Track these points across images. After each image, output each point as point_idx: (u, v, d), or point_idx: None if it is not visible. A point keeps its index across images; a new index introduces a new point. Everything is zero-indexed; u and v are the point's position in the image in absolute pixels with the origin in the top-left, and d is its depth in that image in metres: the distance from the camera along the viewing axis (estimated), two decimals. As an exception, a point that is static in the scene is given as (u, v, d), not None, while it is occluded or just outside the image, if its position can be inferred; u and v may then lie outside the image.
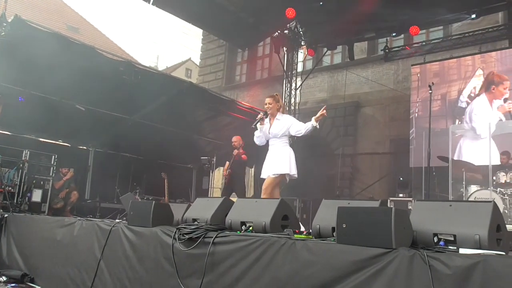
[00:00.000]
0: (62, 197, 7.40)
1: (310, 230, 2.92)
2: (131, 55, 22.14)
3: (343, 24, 9.12)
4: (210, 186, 10.00)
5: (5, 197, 6.09)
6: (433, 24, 9.49)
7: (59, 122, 7.76)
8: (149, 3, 8.81)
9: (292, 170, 4.50)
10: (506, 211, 6.56)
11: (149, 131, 8.79)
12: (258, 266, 2.54)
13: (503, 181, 6.75)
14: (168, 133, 9.19)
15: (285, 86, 11.11)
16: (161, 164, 9.86)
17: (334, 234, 2.47)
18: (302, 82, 11.33)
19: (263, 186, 4.55)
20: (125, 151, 9.65)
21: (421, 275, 1.93)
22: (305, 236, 2.68)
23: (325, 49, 11.29)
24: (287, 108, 10.80)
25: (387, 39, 10.50)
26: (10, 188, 6.39)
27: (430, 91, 6.56)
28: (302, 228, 3.89)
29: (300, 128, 4.46)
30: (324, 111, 4.27)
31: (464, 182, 7.23)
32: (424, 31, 10.21)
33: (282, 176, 4.52)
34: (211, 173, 9.61)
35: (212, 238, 2.81)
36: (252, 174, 11.91)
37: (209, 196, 9.27)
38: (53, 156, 7.26)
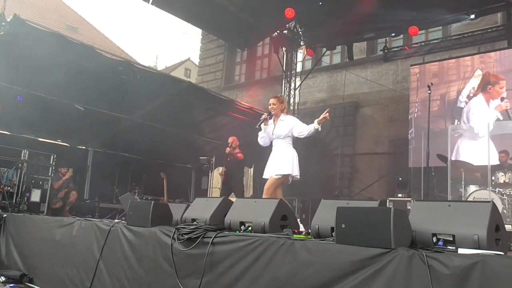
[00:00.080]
0: (61, 197, 7.39)
1: (309, 230, 2.92)
2: (130, 54, 22.13)
3: (342, 24, 9.13)
4: (209, 186, 10.01)
5: (4, 197, 6.09)
6: (432, 24, 9.51)
7: (58, 122, 7.75)
8: (148, 2, 8.81)
9: (295, 171, 4.50)
10: (505, 211, 6.57)
11: (148, 131, 8.78)
12: (257, 266, 2.54)
13: (502, 181, 6.76)
14: (167, 133, 9.19)
15: (284, 86, 11.11)
16: (160, 164, 9.85)
17: (333, 234, 2.47)
18: (301, 82, 11.34)
19: (265, 187, 4.55)
20: (124, 151, 9.64)
21: (420, 275, 1.93)
22: (304, 236, 2.68)
23: (324, 49, 11.30)
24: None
25: (386, 40, 10.51)
26: (9, 188, 6.38)
27: (429, 91, 6.57)
28: (302, 228, 3.89)
29: (303, 129, 4.49)
30: (327, 114, 4.30)
31: (463, 182, 7.25)
32: (423, 31, 10.22)
33: (285, 177, 4.52)
34: (210, 173, 9.62)
35: (211, 238, 2.81)
36: (251, 174, 11.92)
37: (208, 196, 9.28)
38: (52, 156, 7.25)
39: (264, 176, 4.67)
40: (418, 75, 9.71)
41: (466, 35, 9.45)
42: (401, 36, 10.47)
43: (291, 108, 10.87)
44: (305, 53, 11.20)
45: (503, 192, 6.71)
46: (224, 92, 13.55)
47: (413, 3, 8.31)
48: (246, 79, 15.53)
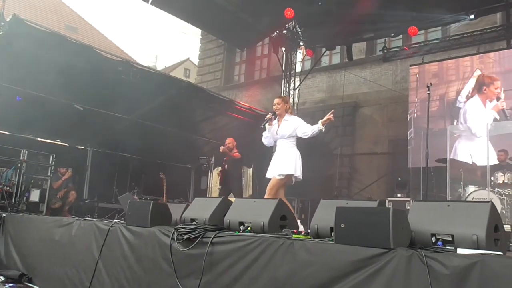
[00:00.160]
0: (60, 197, 7.39)
1: (309, 230, 2.92)
2: (130, 54, 22.12)
3: (341, 25, 9.14)
4: (208, 186, 10.01)
5: (3, 197, 6.08)
6: (431, 24, 9.51)
7: (57, 122, 7.74)
8: (147, 2, 8.80)
9: (297, 172, 4.51)
10: (504, 211, 6.57)
11: (147, 131, 8.78)
12: (257, 266, 2.54)
13: (501, 181, 6.77)
14: (166, 133, 9.18)
15: (284, 86, 11.11)
16: (159, 164, 9.85)
17: (332, 234, 2.47)
18: (301, 82, 11.34)
19: (268, 187, 4.56)
20: (123, 151, 9.63)
21: (419, 275, 1.93)
22: (303, 236, 2.68)
23: (324, 49, 11.30)
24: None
25: (385, 40, 10.52)
26: (8, 188, 6.37)
27: (428, 92, 6.57)
28: (301, 228, 3.89)
29: (307, 130, 4.50)
30: (331, 115, 4.31)
31: (462, 183, 7.26)
32: (422, 31, 10.23)
33: (288, 177, 4.52)
34: (209, 173, 9.62)
35: (211, 238, 2.81)
36: (251, 174, 11.92)
37: (207, 196, 9.27)
38: (51, 156, 7.24)
39: (267, 176, 4.68)
40: (417, 75, 9.72)
41: (465, 35, 9.46)
42: (400, 36, 10.47)
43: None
44: (305, 53, 11.20)
45: (502, 192, 6.72)
46: (223, 92, 13.55)
47: (413, 3, 8.31)
48: (245, 79, 15.53)
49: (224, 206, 3.34)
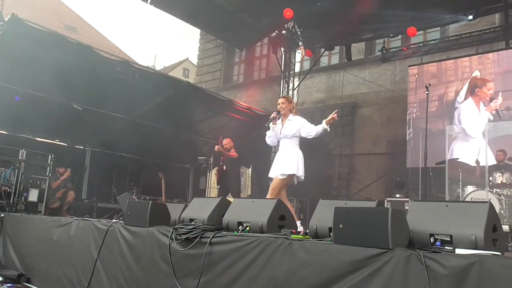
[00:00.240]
0: (59, 197, 7.38)
1: (307, 230, 2.92)
2: (129, 54, 22.13)
3: (340, 25, 9.14)
4: (207, 186, 10.01)
5: (1, 196, 6.06)
6: (430, 25, 9.51)
7: (56, 122, 7.73)
8: (147, 2, 8.79)
9: (300, 172, 4.52)
10: (502, 212, 6.59)
11: (146, 131, 8.78)
12: (255, 266, 2.54)
13: (499, 182, 6.79)
14: (165, 133, 9.18)
15: (283, 87, 11.11)
16: (158, 164, 9.85)
17: (331, 234, 2.47)
18: (300, 83, 11.34)
19: (271, 187, 4.58)
20: (122, 151, 9.62)
21: (417, 275, 1.93)
22: (302, 237, 2.68)
23: (323, 50, 11.30)
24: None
25: (384, 40, 10.52)
26: (6, 188, 6.36)
27: (427, 92, 6.58)
28: (300, 228, 3.90)
29: (311, 130, 4.51)
30: (335, 115, 4.33)
31: (460, 183, 7.27)
32: (421, 32, 10.23)
33: (290, 177, 4.54)
34: (208, 173, 9.62)
35: (209, 238, 2.81)
36: (250, 174, 11.92)
37: (206, 196, 9.28)
38: (50, 156, 7.23)
39: (270, 176, 4.70)
40: (416, 76, 9.73)
41: (464, 36, 9.46)
42: (399, 36, 10.48)
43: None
44: (304, 53, 11.20)
45: (500, 193, 6.74)
46: (222, 92, 13.55)
47: (411, 3, 8.32)
48: (244, 79, 15.52)
49: (223, 206, 3.34)
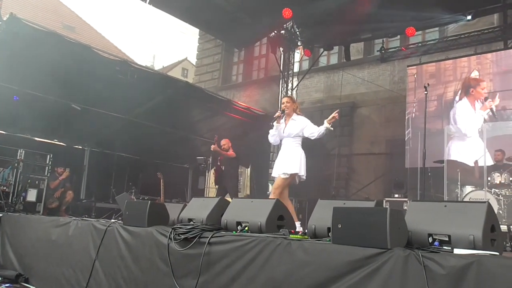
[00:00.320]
0: (57, 197, 7.37)
1: (306, 230, 2.93)
2: (127, 54, 22.11)
3: (339, 25, 9.13)
4: (206, 186, 10.00)
5: (0, 196, 6.06)
6: (429, 25, 9.52)
7: (54, 121, 7.74)
8: (145, 2, 8.78)
9: (302, 171, 4.56)
10: (501, 212, 6.60)
11: (145, 131, 8.77)
12: (254, 266, 2.54)
13: (498, 182, 6.79)
14: (164, 133, 9.18)
15: (282, 86, 11.11)
16: (157, 164, 9.84)
17: (329, 234, 2.47)
18: (299, 83, 11.34)
19: (273, 186, 4.64)
20: (121, 151, 9.62)
21: (415, 275, 1.94)
22: (301, 236, 2.68)
23: (322, 50, 11.30)
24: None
25: (383, 40, 10.53)
26: (4, 188, 6.36)
27: (426, 92, 6.59)
28: (299, 228, 3.90)
29: (314, 130, 4.55)
30: (336, 114, 4.37)
31: (459, 183, 7.28)
32: (420, 32, 10.24)
33: (292, 177, 4.56)
34: (207, 173, 9.61)
35: (208, 238, 2.81)
36: (248, 174, 11.92)
37: (205, 196, 9.27)
38: (48, 156, 7.23)
39: (273, 175, 4.74)
40: (415, 76, 9.74)
41: (462, 36, 9.47)
42: (398, 36, 10.49)
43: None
44: (302, 53, 11.19)
45: (498, 193, 6.74)
46: (221, 92, 13.55)
47: (410, 4, 8.32)
48: (243, 79, 15.52)
49: (222, 206, 3.34)
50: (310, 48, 10.81)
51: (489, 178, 6.89)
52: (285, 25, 10.43)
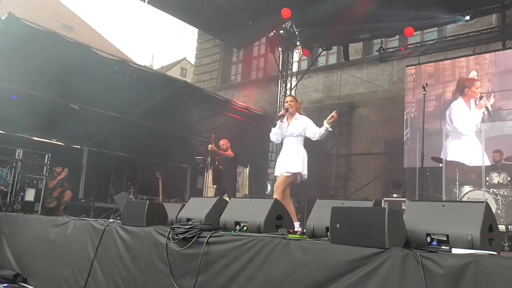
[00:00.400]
0: (56, 197, 7.35)
1: (304, 230, 2.93)
2: (126, 54, 22.09)
3: (338, 25, 9.14)
4: (204, 185, 9.99)
5: (-2, 196, 6.05)
6: (427, 25, 9.53)
7: (52, 121, 7.71)
8: (144, 2, 8.78)
9: (304, 170, 4.59)
10: (499, 212, 6.61)
11: (143, 131, 8.76)
12: (252, 266, 2.54)
13: (496, 182, 6.81)
14: (162, 133, 9.17)
15: (280, 86, 11.11)
16: (155, 164, 9.84)
17: (328, 234, 2.47)
18: (297, 82, 11.35)
19: (276, 185, 4.63)
20: (119, 151, 9.61)
21: (414, 274, 1.94)
22: (299, 236, 2.68)
23: (320, 50, 11.31)
24: (281, 108, 10.81)
25: (382, 40, 10.54)
26: (3, 187, 6.34)
27: (424, 92, 6.59)
28: (298, 228, 3.90)
29: (316, 131, 4.57)
30: (335, 114, 4.43)
31: (457, 183, 7.29)
32: (418, 32, 10.25)
33: (294, 176, 4.57)
34: (205, 173, 9.60)
35: (206, 238, 2.81)
36: (247, 173, 11.92)
37: (203, 195, 9.26)
38: (47, 155, 7.21)
39: (275, 174, 4.75)
40: (414, 76, 9.76)
41: (461, 36, 9.49)
42: (397, 37, 10.50)
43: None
44: (301, 53, 11.20)
45: (497, 193, 6.75)
46: (220, 92, 13.54)
47: (409, 4, 8.34)
48: (242, 79, 15.52)
49: (220, 206, 3.34)
50: (309, 48, 10.81)
51: (487, 178, 6.90)
52: (284, 25, 10.44)
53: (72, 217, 4.44)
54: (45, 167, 7.13)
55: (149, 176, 8.81)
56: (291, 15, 8.93)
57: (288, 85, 11.07)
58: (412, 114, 9.60)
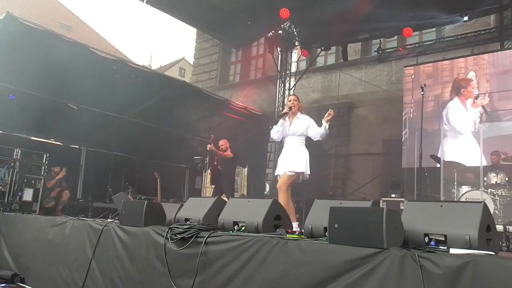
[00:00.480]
0: (54, 196, 7.34)
1: (303, 230, 2.93)
2: (125, 53, 22.07)
3: (337, 25, 9.15)
4: (203, 185, 9.99)
5: (-4, 196, 6.04)
6: (426, 26, 9.56)
7: (51, 121, 7.68)
8: (143, 1, 8.77)
9: (307, 170, 4.61)
10: (497, 212, 6.63)
11: (142, 130, 8.75)
12: (251, 266, 2.54)
13: (494, 182, 6.82)
14: (161, 133, 9.15)
15: (279, 87, 11.12)
16: (153, 164, 9.82)
17: (326, 234, 2.48)
18: (296, 83, 11.36)
19: (279, 184, 4.60)
20: (118, 150, 9.58)
21: (412, 275, 1.94)
22: (298, 236, 2.68)
23: (319, 50, 11.32)
24: (280, 108, 10.82)
25: (380, 41, 10.56)
26: (0, 187, 6.32)
27: (422, 93, 6.60)
28: (296, 228, 3.90)
29: (317, 131, 4.58)
30: (331, 111, 4.50)
31: (455, 183, 7.30)
32: (417, 32, 10.27)
33: (297, 175, 4.58)
34: (204, 173, 9.59)
35: (205, 238, 2.81)
36: (245, 173, 11.92)
37: (201, 195, 9.26)
38: (45, 155, 7.20)
39: (277, 173, 4.73)
40: (412, 76, 9.78)
41: (459, 37, 9.51)
42: (395, 37, 10.52)
43: (285, 108, 10.87)
44: (300, 53, 11.21)
45: (495, 193, 6.77)
46: (218, 92, 13.54)
47: (408, 4, 8.35)
48: (240, 79, 15.51)
49: (219, 205, 3.34)
50: (308, 48, 10.82)
51: (485, 178, 6.92)
52: (282, 25, 10.45)
53: (70, 217, 4.44)
54: (43, 167, 7.11)
55: (147, 176, 8.80)
56: (290, 15, 8.94)
57: (287, 85, 11.08)
58: (411, 115, 9.61)
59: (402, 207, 6.94)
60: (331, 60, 13.02)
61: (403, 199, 7.73)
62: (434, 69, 9.74)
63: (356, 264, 2.12)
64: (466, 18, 8.57)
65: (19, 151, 6.76)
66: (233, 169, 7.50)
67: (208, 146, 6.93)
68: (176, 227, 3.04)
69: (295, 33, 10.70)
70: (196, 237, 2.87)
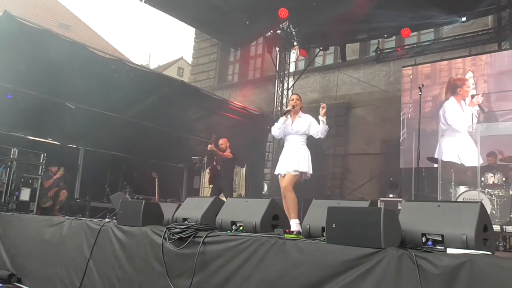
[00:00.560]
0: (51, 196, 7.32)
1: (300, 230, 2.93)
2: (123, 53, 22.03)
3: (335, 25, 9.16)
4: (201, 185, 9.99)
5: (-7, 195, 6.02)
6: (424, 26, 9.58)
7: (48, 120, 7.66)
8: (141, 1, 8.76)
9: (310, 170, 4.60)
10: (494, 212, 6.64)
11: (140, 130, 8.73)
12: (248, 265, 2.54)
13: (491, 182, 6.83)
14: (159, 132, 9.14)
15: (277, 86, 11.12)
16: (151, 163, 9.80)
17: (324, 234, 2.48)
18: (294, 83, 11.36)
19: (284, 184, 4.53)
20: (116, 150, 9.57)
21: (409, 274, 1.95)
22: (295, 236, 2.69)
23: (318, 50, 11.33)
24: (279, 108, 10.83)
25: (378, 41, 10.56)
26: (-2, 187, 6.31)
27: (420, 93, 6.62)
28: (294, 228, 3.90)
29: (318, 129, 4.58)
30: (323, 104, 4.49)
31: (453, 183, 7.31)
32: (415, 33, 10.29)
33: (301, 175, 4.56)
34: (202, 173, 9.60)
35: (202, 238, 2.81)
36: (244, 173, 11.91)
37: (199, 195, 9.25)
38: (42, 155, 7.18)
39: (278, 172, 4.68)
40: (410, 77, 9.80)
41: (457, 37, 9.53)
42: (394, 37, 10.52)
43: (284, 108, 10.88)
44: (298, 53, 11.21)
45: (492, 193, 6.78)
46: (217, 92, 13.52)
47: (406, 5, 8.37)
48: (239, 79, 15.51)
49: (216, 205, 3.34)
50: (306, 48, 10.82)
51: (482, 179, 6.93)
52: (281, 25, 10.45)
53: (68, 217, 4.43)
54: (41, 167, 7.09)
55: (145, 175, 8.78)
56: (289, 15, 8.94)
57: (285, 85, 11.08)
58: (409, 115, 9.63)
59: (399, 207, 6.96)
60: (330, 60, 13.03)
61: (400, 199, 7.73)
62: (432, 69, 9.76)
63: (353, 264, 2.12)
64: (464, 19, 8.59)
65: (16, 150, 6.74)
66: (231, 169, 7.49)
67: (209, 146, 6.91)
68: (174, 227, 3.04)
69: (294, 33, 10.70)
70: (194, 237, 2.87)
